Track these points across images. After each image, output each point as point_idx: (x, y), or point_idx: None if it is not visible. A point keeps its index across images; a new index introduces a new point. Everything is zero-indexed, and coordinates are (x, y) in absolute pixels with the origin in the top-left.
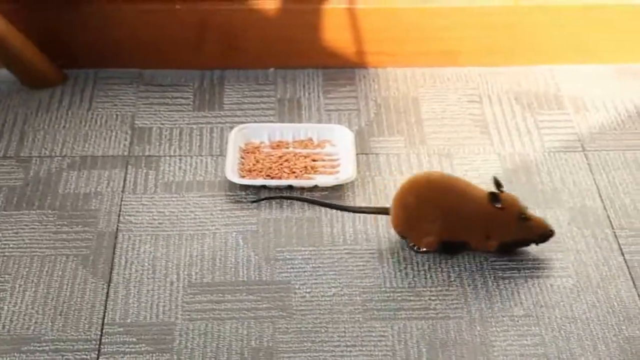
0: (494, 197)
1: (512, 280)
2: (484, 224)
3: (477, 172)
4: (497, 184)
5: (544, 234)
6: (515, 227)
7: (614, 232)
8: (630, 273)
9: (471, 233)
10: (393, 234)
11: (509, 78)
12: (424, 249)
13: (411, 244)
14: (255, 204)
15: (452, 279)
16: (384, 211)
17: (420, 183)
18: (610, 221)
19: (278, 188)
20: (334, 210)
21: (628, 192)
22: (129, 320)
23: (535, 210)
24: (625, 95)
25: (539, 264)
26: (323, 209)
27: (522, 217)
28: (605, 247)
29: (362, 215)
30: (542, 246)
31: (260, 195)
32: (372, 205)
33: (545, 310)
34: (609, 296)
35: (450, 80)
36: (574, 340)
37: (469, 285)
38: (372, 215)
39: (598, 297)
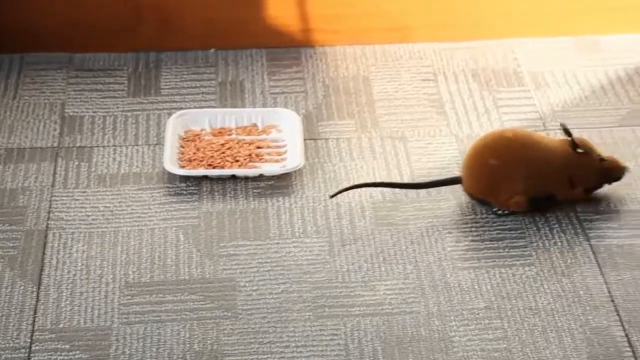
0: (574, 143)
1: (471, 270)
2: (568, 172)
3: (433, 155)
4: (567, 131)
5: (621, 172)
6: (597, 170)
7: (578, 216)
8: (596, 259)
9: (557, 184)
10: (345, 224)
11: (465, 54)
12: (512, 210)
13: (496, 208)
14: (196, 196)
15: (409, 271)
16: (455, 180)
17: (497, 141)
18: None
19: (220, 178)
20: (281, 201)
21: None
22: (61, 326)
23: None
24: (588, 68)
25: (499, 252)
26: (270, 200)
27: (601, 160)
28: (570, 232)
29: (310, 206)
30: (504, 234)
31: (203, 187)
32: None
33: (507, 301)
34: (575, 284)
35: (403, 58)
36: (538, 333)
37: (425, 278)
38: (322, 205)
39: (562, 285)
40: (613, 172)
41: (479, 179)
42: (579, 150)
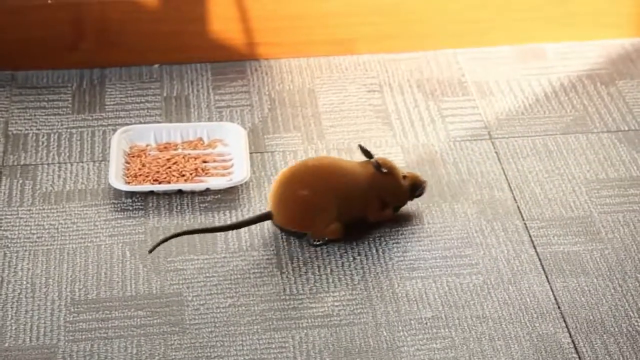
0: (378, 165)
1: (419, 280)
2: (377, 194)
3: None
4: (367, 152)
5: (423, 188)
6: (402, 188)
7: (525, 224)
8: (542, 266)
9: (368, 207)
10: (293, 237)
11: (410, 65)
12: (328, 239)
13: (313, 240)
14: (142, 211)
15: (356, 282)
16: (265, 217)
17: (304, 172)
18: (520, 212)
19: (166, 193)
20: (228, 215)
21: (538, 180)
22: (6, 345)
23: (442, 205)
24: (531, 77)
25: (446, 261)
26: (217, 214)
27: (404, 177)
28: (516, 240)
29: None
30: (451, 243)
31: (149, 202)
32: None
33: (454, 310)
34: (521, 292)
35: (348, 70)
36: (486, 341)
37: (374, 288)
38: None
39: (509, 293)
40: (417, 188)
41: (290, 211)
42: (383, 171)
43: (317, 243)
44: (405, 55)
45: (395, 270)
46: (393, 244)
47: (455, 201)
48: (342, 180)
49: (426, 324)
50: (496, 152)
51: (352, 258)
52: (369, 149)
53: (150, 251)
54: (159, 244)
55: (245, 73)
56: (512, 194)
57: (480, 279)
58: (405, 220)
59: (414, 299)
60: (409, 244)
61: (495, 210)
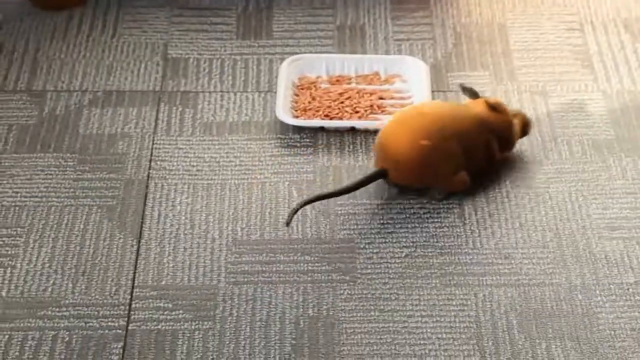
0: (490, 104)
1: (620, 241)
2: (495, 136)
3: (578, 113)
4: (473, 92)
5: (531, 125)
6: (516, 126)
7: None
8: None
9: (486, 152)
10: (476, 185)
11: (616, 1)
12: (451, 193)
13: (437, 194)
14: (311, 148)
15: (548, 239)
16: (379, 175)
17: (423, 120)
18: None
19: (338, 130)
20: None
21: None
22: (163, 283)
23: None
24: None
25: None
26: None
27: (514, 116)
28: None
29: None
30: None
31: (318, 139)
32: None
33: None
34: None
35: (545, 4)
36: None
37: (568, 247)
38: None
39: None
40: (527, 126)
41: (412, 165)
42: (497, 111)
43: (440, 197)
44: None
45: (594, 229)
46: (592, 199)
47: None
48: (463, 124)
49: (628, 289)
50: None
51: (544, 212)
52: (473, 87)
53: (288, 224)
54: (293, 214)
55: (428, 3)
56: None
57: None
58: (604, 173)
59: (614, 262)
60: (610, 200)
61: None
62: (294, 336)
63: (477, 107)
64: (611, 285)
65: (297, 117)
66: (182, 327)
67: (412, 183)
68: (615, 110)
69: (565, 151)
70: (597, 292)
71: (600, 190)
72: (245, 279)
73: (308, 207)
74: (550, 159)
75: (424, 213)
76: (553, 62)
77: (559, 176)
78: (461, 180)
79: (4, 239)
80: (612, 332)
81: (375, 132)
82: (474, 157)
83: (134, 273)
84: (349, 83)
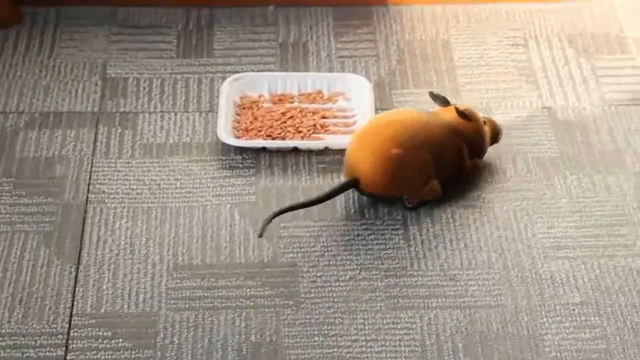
0: (461, 112)
1: (565, 261)
2: (467, 144)
3: (523, 130)
4: (443, 99)
5: (502, 132)
6: (486, 134)
7: None
8: None
9: (458, 160)
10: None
11: (560, 16)
12: (427, 200)
13: (408, 202)
14: (253, 169)
15: (494, 260)
16: (349, 185)
17: (393, 128)
18: None
19: (280, 151)
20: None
21: None
22: (102, 311)
23: (593, 177)
24: None
25: (598, 241)
26: (336, 176)
27: (484, 123)
28: None
29: None
30: (603, 220)
31: (261, 160)
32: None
33: (606, 296)
34: None
35: (489, 20)
36: None
37: (513, 268)
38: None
39: None
40: (497, 133)
41: (383, 174)
42: (469, 119)
43: (411, 205)
44: (555, 6)
45: (539, 249)
46: (537, 218)
47: (609, 173)
48: (434, 132)
49: (574, 310)
50: None
51: (489, 233)
52: (442, 94)
53: (260, 235)
54: (266, 225)
55: (372, 19)
56: None
57: (637, 262)
58: (549, 192)
59: (559, 282)
60: (555, 219)
61: None
62: None
63: (448, 115)
64: (557, 306)
65: (238, 137)
66: (122, 356)
67: (382, 192)
68: (559, 126)
69: (510, 169)
70: (543, 313)
71: (546, 209)
72: (187, 305)
73: (250, 230)
74: (495, 177)
75: (368, 235)
76: (497, 79)
77: (504, 195)
78: (433, 189)
79: None
80: (558, 354)
81: (318, 152)
82: (444, 166)
83: (72, 301)
84: (292, 102)
